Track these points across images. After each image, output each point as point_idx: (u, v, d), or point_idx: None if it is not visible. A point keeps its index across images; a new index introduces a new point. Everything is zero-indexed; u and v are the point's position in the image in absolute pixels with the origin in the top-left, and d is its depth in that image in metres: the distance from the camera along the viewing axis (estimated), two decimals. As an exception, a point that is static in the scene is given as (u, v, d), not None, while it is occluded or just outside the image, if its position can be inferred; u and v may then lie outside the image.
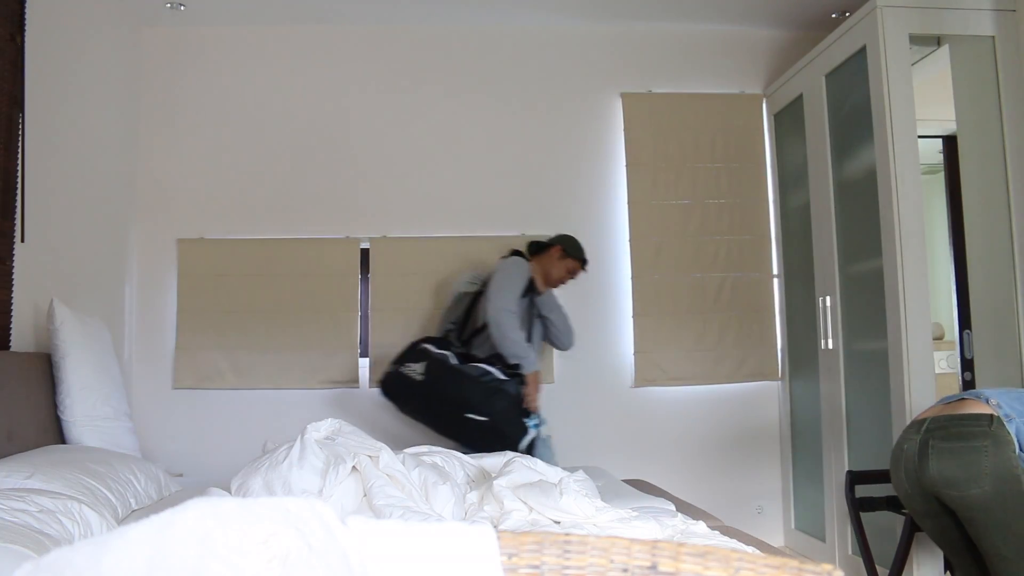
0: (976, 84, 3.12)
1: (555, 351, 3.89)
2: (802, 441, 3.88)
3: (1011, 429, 2.00)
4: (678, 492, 3.17)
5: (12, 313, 2.60)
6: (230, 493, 1.86)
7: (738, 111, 4.18)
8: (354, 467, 1.87)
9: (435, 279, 3.94)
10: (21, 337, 2.68)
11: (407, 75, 4.07)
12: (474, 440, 3.11)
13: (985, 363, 3.02)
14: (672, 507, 2.28)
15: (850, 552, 3.31)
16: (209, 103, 3.98)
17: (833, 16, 3.93)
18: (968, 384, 3.12)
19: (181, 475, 3.29)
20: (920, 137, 3.05)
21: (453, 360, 3.23)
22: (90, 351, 2.70)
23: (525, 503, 1.88)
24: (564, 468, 2.20)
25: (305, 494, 1.79)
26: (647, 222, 4.04)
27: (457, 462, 2.28)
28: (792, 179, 3.96)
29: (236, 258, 3.88)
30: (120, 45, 3.74)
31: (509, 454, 2.25)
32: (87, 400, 2.62)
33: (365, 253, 3.95)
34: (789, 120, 3.96)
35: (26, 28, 2.70)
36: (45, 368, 2.63)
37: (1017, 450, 1.99)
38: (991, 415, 2.03)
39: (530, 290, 3.40)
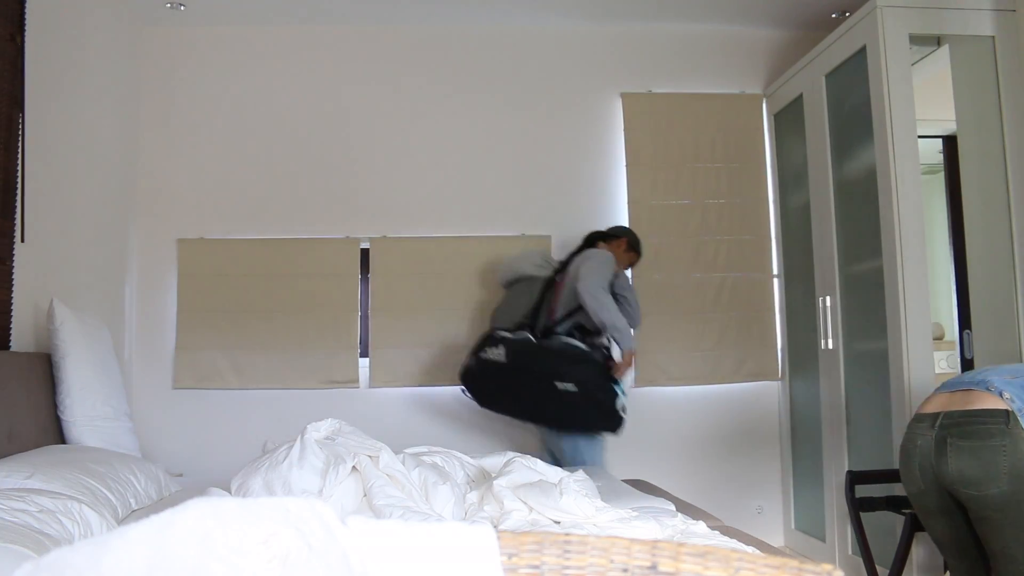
0: (976, 84, 3.12)
1: None
2: (802, 441, 3.88)
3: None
4: (678, 492, 3.16)
5: (12, 313, 2.60)
6: (230, 493, 1.86)
7: (738, 111, 4.18)
8: (354, 467, 1.87)
9: (435, 279, 3.94)
10: (21, 337, 2.68)
11: (407, 75, 4.07)
12: (566, 413, 3.07)
13: (985, 363, 3.02)
14: (672, 507, 2.27)
15: (850, 552, 3.32)
16: (209, 103, 3.98)
17: (833, 16, 3.93)
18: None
19: (181, 475, 3.29)
20: (920, 137, 3.05)
21: (531, 339, 3.17)
22: (90, 351, 2.70)
23: (525, 503, 1.89)
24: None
25: (305, 494, 1.79)
26: (647, 222, 4.04)
27: (457, 462, 2.28)
28: (792, 179, 3.96)
29: (236, 258, 3.88)
30: (120, 45, 3.74)
31: (509, 454, 2.25)
32: (87, 400, 2.61)
33: (365, 253, 3.95)
34: (789, 120, 3.96)
35: (26, 28, 2.70)
36: (45, 368, 2.63)
37: None
38: (1007, 411, 2.01)
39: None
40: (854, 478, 2.83)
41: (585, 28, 4.16)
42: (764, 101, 4.18)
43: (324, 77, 4.05)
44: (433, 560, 0.63)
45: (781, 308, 4.08)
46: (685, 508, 2.43)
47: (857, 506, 2.79)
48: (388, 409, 3.87)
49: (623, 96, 4.13)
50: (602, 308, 3.11)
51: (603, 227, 4.05)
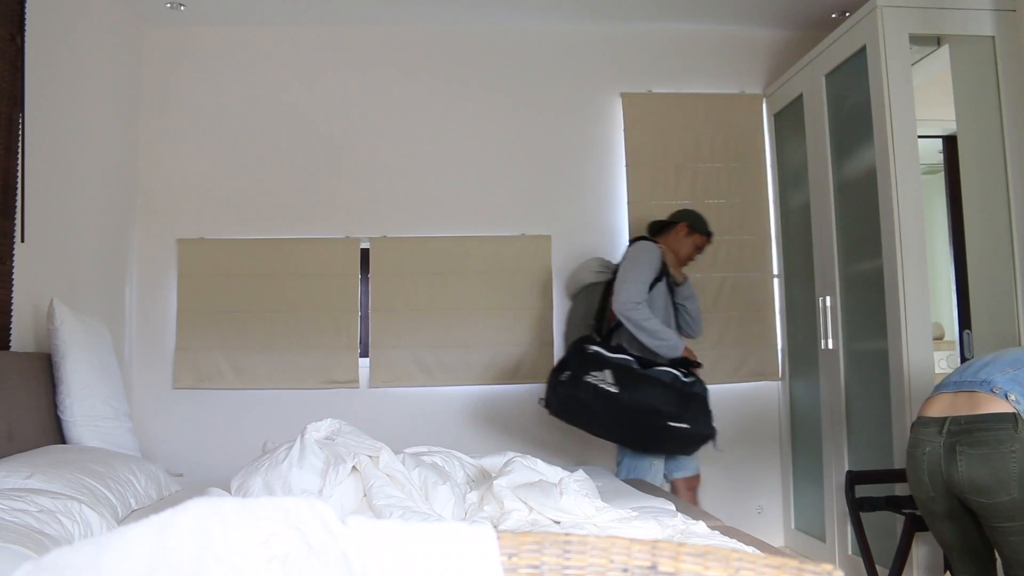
0: (976, 84, 3.12)
1: None
2: (802, 441, 3.88)
3: None
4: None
5: (12, 313, 2.61)
6: (230, 493, 1.86)
7: (738, 111, 4.18)
8: (354, 467, 1.87)
9: (435, 279, 3.94)
10: (21, 337, 2.68)
11: (407, 75, 4.07)
12: (668, 445, 3.08)
13: (985, 363, 3.02)
14: (672, 507, 2.27)
15: (850, 552, 3.32)
16: (209, 103, 3.98)
17: (833, 16, 3.93)
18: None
19: (181, 475, 3.28)
20: (920, 137, 3.05)
21: (634, 364, 3.02)
22: (90, 351, 2.70)
23: (525, 503, 1.89)
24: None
25: (305, 494, 1.79)
26: (647, 222, 4.03)
27: (457, 462, 2.28)
28: (792, 179, 3.96)
29: (236, 258, 3.88)
30: (120, 45, 3.74)
31: (509, 454, 2.24)
32: (87, 400, 2.61)
33: (365, 253, 3.95)
34: (789, 120, 3.96)
35: (26, 28, 2.70)
36: (45, 368, 2.63)
37: None
38: (1014, 414, 2.00)
39: (664, 273, 3.28)
40: (854, 478, 2.83)
41: (585, 28, 4.16)
42: (764, 101, 4.18)
43: (324, 77, 4.05)
44: (433, 560, 0.63)
45: (781, 308, 4.08)
46: (685, 508, 2.43)
47: (857, 506, 2.79)
48: (388, 409, 3.87)
49: (623, 96, 4.13)
50: (638, 329, 3.05)
51: (602, 227, 4.06)
